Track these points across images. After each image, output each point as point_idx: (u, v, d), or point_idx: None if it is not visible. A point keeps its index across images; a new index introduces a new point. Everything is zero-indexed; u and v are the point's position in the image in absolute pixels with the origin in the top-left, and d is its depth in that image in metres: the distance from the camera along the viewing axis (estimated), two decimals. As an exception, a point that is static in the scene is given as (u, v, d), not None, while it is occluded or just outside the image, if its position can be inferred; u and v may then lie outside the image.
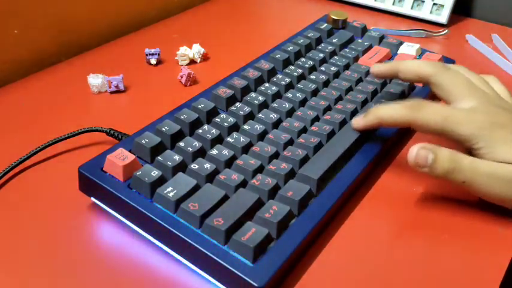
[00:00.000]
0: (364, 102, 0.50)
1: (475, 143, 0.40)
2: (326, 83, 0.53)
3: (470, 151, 0.41)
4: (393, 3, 0.78)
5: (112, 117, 0.52)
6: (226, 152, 0.41)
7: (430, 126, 0.41)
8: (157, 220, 0.36)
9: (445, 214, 0.42)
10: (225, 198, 0.37)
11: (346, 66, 0.56)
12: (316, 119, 0.47)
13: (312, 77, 0.53)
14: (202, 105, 0.45)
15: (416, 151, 0.40)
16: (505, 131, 0.40)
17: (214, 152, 0.41)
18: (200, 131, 0.43)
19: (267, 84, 0.50)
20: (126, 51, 0.65)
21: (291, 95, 0.50)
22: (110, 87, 0.55)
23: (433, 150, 0.39)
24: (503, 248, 0.40)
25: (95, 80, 0.55)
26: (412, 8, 0.77)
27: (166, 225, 0.36)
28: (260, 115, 0.46)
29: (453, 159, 0.39)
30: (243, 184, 0.39)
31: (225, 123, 0.44)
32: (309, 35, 0.59)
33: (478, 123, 0.40)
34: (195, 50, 0.62)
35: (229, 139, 0.43)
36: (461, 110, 0.41)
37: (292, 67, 0.54)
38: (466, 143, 0.40)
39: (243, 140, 0.43)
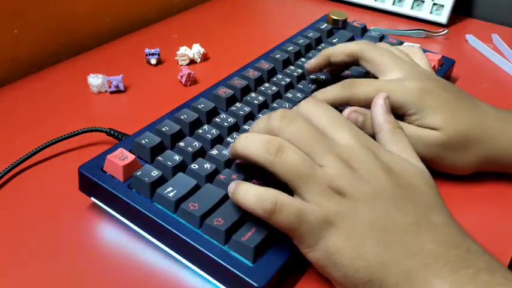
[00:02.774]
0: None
1: (408, 110, 0.43)
2: (326, 83, 0.52)
3: (402, 118, 0.44)
4: (393, 3, 0.78)
5: (112, 117, 0.52)
6: (226, 152, 0.41)
7: (365, 98, 0.43)
8: (157, 220, 0.36)
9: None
10: (225, 198, 0.37)
11: (346, 66, 0.56)
12: (316, 119, 0.47)
13: (312, 77, 0.53)
14: (202, 105, 0.45)
15: (347, 113, 0.43)
16: (433, 96, 0.43)
17: (214, 152, 0.41)
18: (200, 131, 0.43)
19: (267, 84, 0.50)
20: (126, 51, 0.65)
21: (291, 95, 0.50)
22: (110, 87, 0.55)
23: (363, 114, 0.43)
24: (503, 248, 0.40)
25: (95, 80, 0.55)
26: (412, 8, 0.77)
27: (166, 225, 0.36)
28: (260, 115, 0.46)
29: None
30: (243, 184, 0.39)
31: (225, 123, 0.44)
32: (309, 35, 0.59)
33: (409, 90, 0.43)
34: (195, 50, 0.62)
35: (229, 139, 0.43)
36: (391, 81, 0.44)
37: (292, 67, 0.54)
38: (399, 110, 0.43)
39: (243, 140, 0.43)
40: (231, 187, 0.35)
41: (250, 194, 0.34)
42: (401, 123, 0.42)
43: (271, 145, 0.34)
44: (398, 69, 0.45)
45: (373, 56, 0.46)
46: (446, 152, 0.43)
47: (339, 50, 0.47)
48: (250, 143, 0.35)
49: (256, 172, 0.39)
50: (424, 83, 0.44)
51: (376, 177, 0.34)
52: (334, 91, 0.45)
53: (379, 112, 0.40)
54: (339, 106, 0.45)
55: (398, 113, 0.43)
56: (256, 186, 0.34)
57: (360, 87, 0.44)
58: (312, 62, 0.50)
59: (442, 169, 0.44)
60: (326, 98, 0.45)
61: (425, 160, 0.42)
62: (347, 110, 0.43)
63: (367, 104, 0.43)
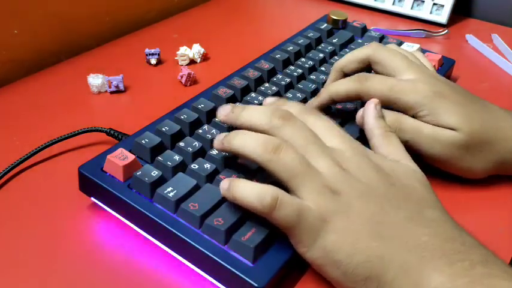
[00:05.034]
0: (364, 103, 0.50)
1: (420, 111, 0.43)
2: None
3: (415, 118, 0.43)
4: (393, 3, 0.78)
5: (112, 117, 0.52)
6: (226, 152, 0.41)
7: (377, 95, 0.43)
8: (157, 220, 0.36)
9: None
10: (225, 198, 0.37)
11: (346, 66, 0.56)
12: (316, 119, 0.47)
13: (312, 77, 0.53)
14: (202, 105, 0.45)
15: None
16: (447, 100, 0.43)
17: (214, 152, 0.41)
18: (200, 131, 0.43)
19: (267, 84, 0.50)
20: (126, 51, 0.65)
21: (291, 95, 0.50)
22: (110, 87, 0.55)
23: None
24: (503, 248, 0.40)
25: (95, 80, 0.55)
26: (412, 8, 0.77)
27: (166, 225, 0.36)
28: (260, 115, 0.46)
29: (397, 119, 0.43)
30: (243, 184, 0.39)
31: (225, 123, 0.44)
32: (309, 35, 0.59)
33: (422, 92, 0.43)
34: (195, 50, 0.62)
35: (229, 139, 0.43)
36: (405, 81, 0.44)
37: (292, 67, 0.54)
38: (411, 110, 0.43)
39: (243, 140, 0.43)
40: (224, 184, 0.35)
41: (249, 190, 0.34)
42: (419, 123, 0.43)
43: (270, 144, 0.34)
44: (410, 71, 0.44)
45: (385, 59, 0.45)
46: (464, 154, 0.43)
47: (350, 60, 0.47)
48: (248, 141, 0.35)
49: (256, 173, 0.40)
50: (437, 86, 0.43)
51: (367, 176, 0.34)
52: (347, 84, 0.45)
53: (370, 118, 0.41)
54: (351, 100, 0.45)
55: (409, 114, 0.43)
56: (254, 182, 0.35)
57: (373, 83, 0.44)
58: (328, 83, 0.48)
59: (455, 171, 0.44)
60: (339, 90, 0.45)
61: (440, 162, 0.43)
62: (361, 111, 0.43)
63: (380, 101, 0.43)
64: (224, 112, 0.38)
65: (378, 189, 0.34)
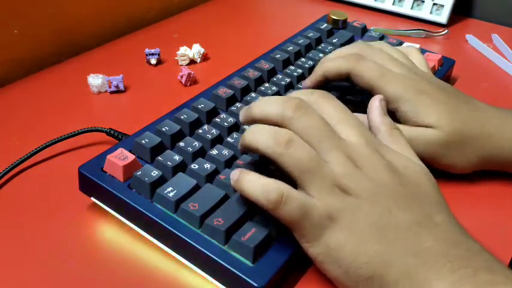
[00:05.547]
0: (363, 102, 0.50)
1: (401, 105, 0.43)
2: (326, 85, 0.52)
3: (395, 113, 0.44)
4: (393, 3, 0.78)
5: (112, 117, 0.52)
6: (226, 152, 0.41)
7: (366, 78, 0.44)
8: (157, 220, 0.36)
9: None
10: (225, 198, 0.37)
11: (346, 66, 0.56)
12: (316, 119, 0.47)
13: (312, 77, 0.53)
14: (202, 105, 0.45)
15: None
16: (427, 96, 0.43)
17: (214, 152, 0.41)
18: (200, 131, 0.43)
19: (267, 84, 0.50)
20: (126, 51, 0.65)
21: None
22: (110, 87, 0.55)
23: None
24: (503, 248, 0.40)
25: (95, 80, 0.55)
26: (412, 8, 0.77)
27: (166, 225, 0.36)
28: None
29: None
30: (243, 184, 0.39)
31: (225, 123, 0.44)
32: (309, 35, 0.59)
33: (406, 87, 0.43)
34: (195, 50, 0.62)
35: (229, 139, 0.43)
36: (395, 72, 0.44)
37: (292, 67, 0.54)
38: (393, 104, 0.44)
39: (243, 140, 0.43)
40: (235, 174, 0.35)
41: (256, 184, 0.34)
42: (402, 126, 0.43)
43: (280, 137, 0.34)
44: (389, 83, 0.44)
45: (362, 73, 0.45)
46: (446, 151, 0.43)
47: (331, 71, 0.46)
48: (259, 135, 0.35)
49: (257, 171, 0.39)
50: (419, 84, 0.44)
51: (380, 176, 0.34)
52: (339, 62, 0.45)
53: (376, 114, 0.40)
54: (342, 76, 0.46)
55: (392, 106, 0.44)
56: (261, 176, 0.34)
57: (366, 66, 0.44)
58: (307, 83, 0.49)
59: (442, 168, 0.44)
60: (336, 68, 0.45)
61: (425, 160, 0.42)
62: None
63: (366, 86, 0.44)
64: (242, 112, 0.38)
65: (389, 190, 0.34)
